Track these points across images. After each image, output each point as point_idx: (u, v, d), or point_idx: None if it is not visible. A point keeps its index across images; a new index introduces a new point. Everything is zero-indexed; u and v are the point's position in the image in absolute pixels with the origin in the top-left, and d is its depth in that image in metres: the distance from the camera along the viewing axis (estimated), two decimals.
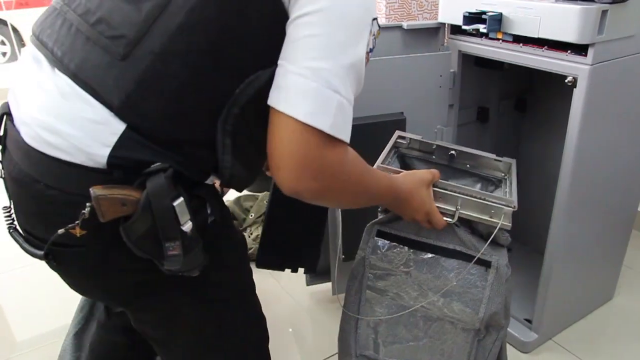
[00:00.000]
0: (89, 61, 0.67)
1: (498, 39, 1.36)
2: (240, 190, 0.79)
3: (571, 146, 1.30)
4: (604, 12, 1.15)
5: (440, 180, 1.01)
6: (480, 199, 1.00)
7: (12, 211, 0.77)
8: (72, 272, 0.77)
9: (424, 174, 0.98)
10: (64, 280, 0.82)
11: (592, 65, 1.20)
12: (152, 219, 0.65)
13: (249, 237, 2.19)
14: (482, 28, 1.32)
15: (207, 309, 0.83)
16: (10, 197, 0.77)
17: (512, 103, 1.83)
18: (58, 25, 0.72)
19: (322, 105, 0.67)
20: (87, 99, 0.67)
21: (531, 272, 1.56)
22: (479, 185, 1.20)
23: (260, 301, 1.00)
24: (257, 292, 0.99)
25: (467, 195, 1.00)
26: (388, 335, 1.12)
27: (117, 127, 0.66)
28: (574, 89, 1.24)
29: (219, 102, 0.69)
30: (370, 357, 1.14)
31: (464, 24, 1.36)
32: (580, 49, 1.21)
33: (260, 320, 0.97)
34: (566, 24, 1.18)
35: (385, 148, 1.17)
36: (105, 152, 0.66)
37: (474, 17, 1.34)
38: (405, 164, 1.22)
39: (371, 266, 1.10)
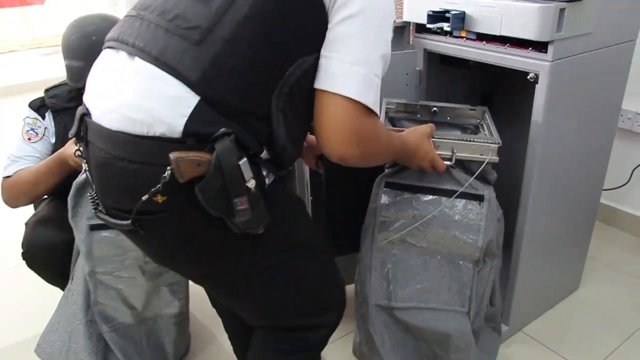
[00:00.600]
0: (169, 47, 0.81)
1: (462, 37, 1.38)
2: (286, 167, 0.91)
3: (535, 141, 1.32)
4: (562, 10, 1.18)
5: (437, 132, 1.21)
6: (471, 141, 1.21)
7: (97, 197, 0.90)
8: (156, 239, 0.89)
9: (424, 128, 1.18)
10: (147, 251, 0.96)
11: (552, 61, 1.23)
12: (222, 176, 0.77)
13: None
14: (445, 26, 1.33)
15: (277, 259, 0.94)
16: (95, 184, 0.89)
17: (478, 100, 1.86)
18: (137, 26, 0.86)
19: (368, 87, 0.85)
20: (167, 78, 0.80)
21: (502, 267, 1.58)
22: (459, 133, 1.40)
23: None
24: None
25: (460, 140, 1.21)
26: (400, 281, 1.27)
27: (192, 100, 0.79)
28: (536, 85, 1.27)
29: (274, 81, 0.83)
30: (384, 305, 1.29)
31: (428, 23, 1.37)
32: (540, 46, 1.24)
33: (329, 271, 1.07)
34: (526, 21, 1.21)
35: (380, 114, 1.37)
36: (182, 121, 0.78)
37: (437, 16, 1.35)
38: (395, 125, 1.40)
39: (382, 216, 1.26)
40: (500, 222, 1.29)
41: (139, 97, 0.80)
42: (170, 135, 0.79)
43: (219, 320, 1.40)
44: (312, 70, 0.86)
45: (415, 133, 1.16)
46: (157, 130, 0.79)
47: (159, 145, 0.79)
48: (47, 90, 1.48)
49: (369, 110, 0.86)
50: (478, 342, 1.31)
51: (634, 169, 2.05)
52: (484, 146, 1.21)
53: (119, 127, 0.81)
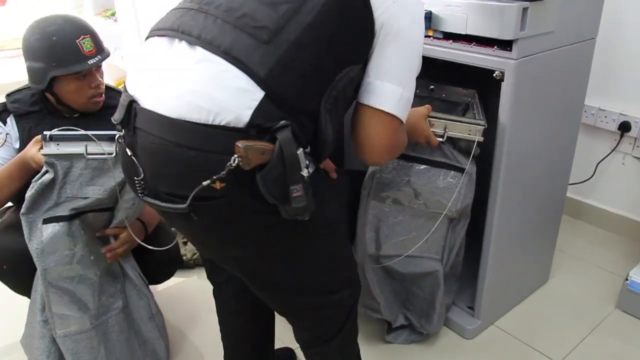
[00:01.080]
0: (238, 43, 0.86)
1: (429, 37, 1.40)
2: (322, 160, 0.98)
3: (502, 137, 1.35)
4: (525, 9, 1.20)
5: (432, 112, 1.36)
6: (461, 122, 1.37)
7: (144, 183, 0.93)
8: (206, 223, 0.92)
9: (422, 110, 1.34)
10: (191, 234, 1.03)
11: (517, 59, 1.26)
12: (283, 165, 0.83)
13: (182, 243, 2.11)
14: None
15: (315, 241, 1.02)
16: (146, 170, 0.92)
17: None
18: (201, 19, 0.90)
19: (405, 104, 0.99)
20: (235, 71, 0.84)
21: (473, 262, 1.61)
22: (453, 109, 1.58)
23: None
24: None
25: (452, 120, 1.36)
26: (387, 234, 1.48)
27: (258, 94, 0.84)
28: (502, 82, 1.30)
29: (326, 84, 0.91)
30: (372, 254, 1.50)
31: None
32: (505, 45, 1.26)
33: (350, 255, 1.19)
34: (490, 21, 1.23)
35: None
36: (249, 113, 0.83)
37: None
38: None
39: (379, 178, 1.45)
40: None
41: (206, 86, 0.84)
42: (235, 124, 0.83)
43: (194, 323, 1.38)
44: (357, 77, 0.96)
45: (414, 114, 1.30)
46: (224, 119, 0.82)
47: (224, 134, 0.83)
48: (8, 95, 1.44)
49: (401, 123, 1.01)
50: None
51: (598, 163, 2.11)
52: (472, 127, 1.36)
53: (181, 114, 0.84)
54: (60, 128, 1.22)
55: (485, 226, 1.49)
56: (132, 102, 0.91)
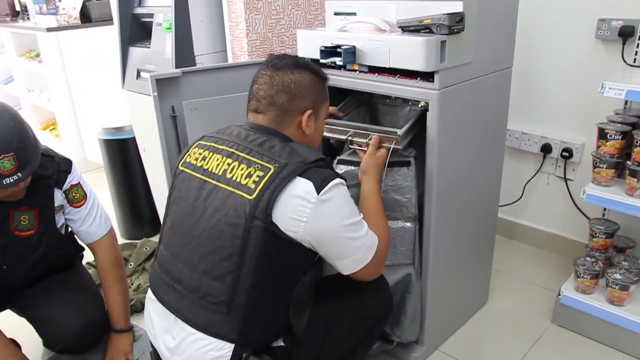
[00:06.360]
0: (209, 320, 1.10)
1: (355, 70, 1.43)
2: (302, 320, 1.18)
3: (432, 163, 1.39)
4: (443, 42, 1.26)
5: (357, 124, 1.44)
6: (378, 132, 1.39)
7: None
8: None
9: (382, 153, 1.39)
10: None
11: (439, 90, 1.31)
12: None
13: (130, 287, 2.05)
14: (338, 61, 1.37)
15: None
16: None
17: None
18: (176, 298, 1.15)
19: (366, 250, 1.17)
20: (214, 342, 1.09)
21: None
22: (410, 109, 1.57)
23: None
24: None
25: (371, 131, 1.40)
26: None
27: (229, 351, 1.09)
28: (427, 112, 1.34)
29: (287, 305, 1.13)
30: None
31: (322, 58, 1.41)
32: (428, 76, 1.31)
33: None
34: (412, 54, 1.28)
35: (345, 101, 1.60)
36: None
37: (330, 51, 1.40)
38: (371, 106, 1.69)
39: None
40: None
41: (178, 357, 1.13)
42: None
43: None
44: (308, 280, 1.15)
45: (366, 162, 1.37)
46: None
47: None
48: None
49: (372, 244, 1.18)
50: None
51: (526, 184, 2.21)
52: (387, 136, 1.37)
53: None
54: None
55: (422, 253, 1.51)
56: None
